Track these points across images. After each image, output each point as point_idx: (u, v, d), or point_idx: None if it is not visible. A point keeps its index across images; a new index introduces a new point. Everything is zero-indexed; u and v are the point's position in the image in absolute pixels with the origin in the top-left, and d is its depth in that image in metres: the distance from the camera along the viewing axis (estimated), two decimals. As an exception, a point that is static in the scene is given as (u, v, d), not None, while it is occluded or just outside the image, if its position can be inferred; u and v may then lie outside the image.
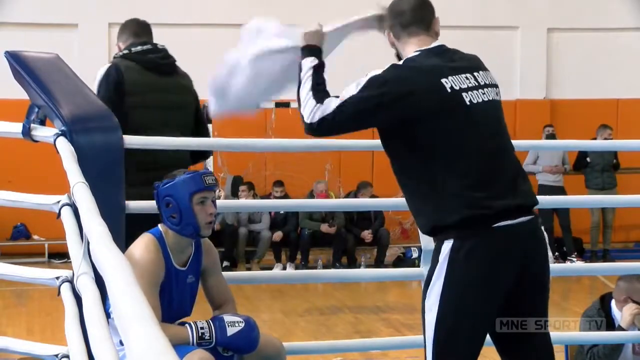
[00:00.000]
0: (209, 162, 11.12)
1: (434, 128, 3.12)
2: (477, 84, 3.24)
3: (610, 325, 4.63)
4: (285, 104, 11.86)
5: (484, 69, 3.37)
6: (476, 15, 13.08)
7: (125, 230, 3.63)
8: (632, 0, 13.18)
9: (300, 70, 3.34)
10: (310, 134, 3.30)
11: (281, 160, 12.10)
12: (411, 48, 3.26)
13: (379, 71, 3.17)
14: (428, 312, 3.14)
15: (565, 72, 13.44)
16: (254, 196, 11.39)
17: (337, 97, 3.20)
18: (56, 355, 3.15)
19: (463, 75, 3.21)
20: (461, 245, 3.08)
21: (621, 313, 4.57)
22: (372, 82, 3.15)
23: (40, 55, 3.83)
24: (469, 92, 3.19)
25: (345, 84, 3.21)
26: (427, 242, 4.14)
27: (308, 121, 3.25)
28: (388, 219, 11.73)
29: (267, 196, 11.63)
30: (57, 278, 2.88)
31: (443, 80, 3.15)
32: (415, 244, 11.06)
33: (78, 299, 2.20)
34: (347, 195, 11.59)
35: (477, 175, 3.12)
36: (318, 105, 3.21)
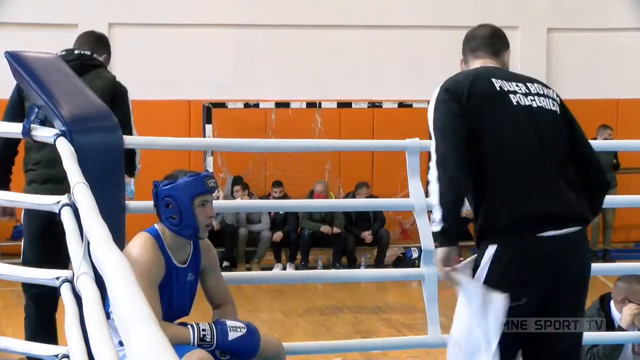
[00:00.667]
0: (209, 162, 11.12)
1: (483, 126, 3.16)
2: (527, 91, 3.28)
3: (610, 325, 4.63)
4: (286, 104, 11.87)
5: (541, 83, 3.40)
6: (476, 15, 13.05)
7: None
8: (632, 0, 13.18)
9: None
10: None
11: (281, 160, 12.09)
12: (474, 66, 3.35)
13: (437, 90, 3.25)
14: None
15: (565, 72, 13.44)
16: (250, 195, 11.38)
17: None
18: (56, 356, 3.15)
19: (513, 82, 3.29)
20: (504, 252, 3.11)
21: (621, 313, 4.57)
22: (438, 97, 3.21)
23: (40, 55, 3.83)
24: (517, 95, 3.24)
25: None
26: (427, 242, 4.15)
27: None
28: (388, 219, 11.73)
29: (267, 196, 11.63)
30: (57, 278, 2.88)
31: (493, 79, 3.23)
32: (415, 244, 11.05)
33: (78, 299, 2.20)
34: (347, 196, 11.59)
35: (523, 174, 3.15)
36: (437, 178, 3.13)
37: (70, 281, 2.73)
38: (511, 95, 3.22)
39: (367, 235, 11.32)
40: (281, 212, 11.38)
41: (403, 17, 12.85)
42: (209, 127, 11.37)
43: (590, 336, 4.59)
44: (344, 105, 11.73)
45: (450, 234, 3.12)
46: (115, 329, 1.71)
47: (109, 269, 1.79)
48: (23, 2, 12.13)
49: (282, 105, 11.88)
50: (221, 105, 11.69)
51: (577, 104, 13.91)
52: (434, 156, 3.11)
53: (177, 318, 3.57)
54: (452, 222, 3.08)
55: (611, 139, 11.75)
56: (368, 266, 11.12)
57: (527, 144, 3.19)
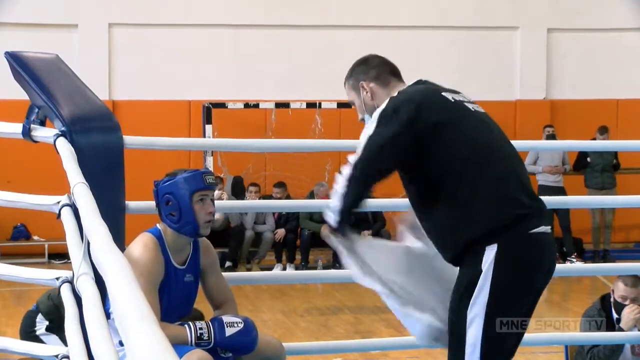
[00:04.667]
0: (209, 163, 11.12)
1: (452, 137, 3.17)
2: (467, 99, 3.33)
3: (611, 325, 4.63)
4: (286, 104, 11.87)
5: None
6: (476, 15, 13.07)
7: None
8: (632, 0, 13.17)
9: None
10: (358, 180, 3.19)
11: (281, 161, 12.10)
12: (394, 91, 3.35)
13: (381, 108, 3.23)
14: (471, 322, 3.13)
15: (565, 72, 13.44)
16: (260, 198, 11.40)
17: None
18: (56, 356, 3.15)
19: (454, 93, 3.32)
20: (506, 250, 3.11)
21: (622, 315, 4.57)
22: (383, 116, 3.19)
23: (40, 55, 3.82)
24: (467, 104, 3.28)
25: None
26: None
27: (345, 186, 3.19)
28: (388, 219, 11.73)
29: (268, 197, 11.63)
30: (57, 279, 2.88)
31: (443, 94, 3.27)
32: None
33: (78, 300, 2.20)
34: (347, 196, 11.58)
35: (505, 175, 3.19)
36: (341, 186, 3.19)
37: (71, 281, 2.73)
38: (465, 104, 3.27)
39: (366, 234, 11.31)
40: (284, 213, 11.38)
41: (403, 17, 12.85)
42: (209, 127, 11.37)
43: (591, 336, 4.59)
44: (344, 105, 11.70)
45: (342, 229, 3.25)
46: (115, 329, 1.71)
47: (109, 269, 1.78)
48: (23, 2, 12.13)
49: (282, 105, 11.88)
50: (221, 105, 11.70)
51: (577, 104, 14.01)
52: (355, 157, 3.15)
53: (177, 319, 3.57)
54: (346, 219, 3.21)
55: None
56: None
57: (500, 147, 3.26)
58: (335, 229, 3.24)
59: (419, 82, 3.37)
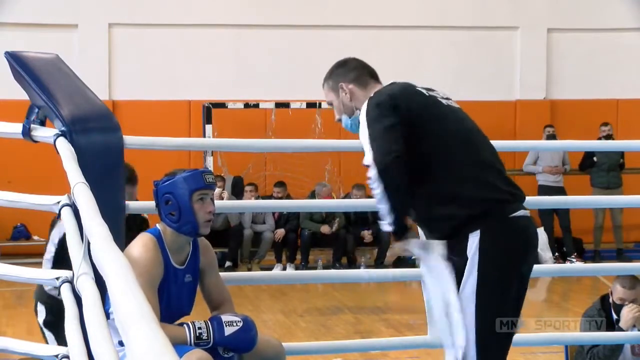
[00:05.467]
0: (209, 162, 11.12)
1: (429, 126, 3.30)
2: (441, 95, 3.45)
3: (611, 325, 4.63)
4: (286, 104, 11.87)
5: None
6: (476, 15, 13.07)
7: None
8: (632, 0, 13.17)
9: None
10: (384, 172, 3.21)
11: (281, 161, 12.10)
12: (371, 92, 3.43)
13: (364, 110, 3.32)
14: (463, 310, 3.22)
15: (565, 72, 13.44)
16: (257, 197, 11.40)
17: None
18: (56, 356, 3.14)
19: (428, 90, 3.45)
20: (489, 236, 3.20)
21: (622, 314, 4.57)
22: (370, 113, 3.28)
23: (40, 55, 3.82)
24: (441, 99, 3.41)
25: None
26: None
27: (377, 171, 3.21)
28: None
29: (268, 197, 11.63)
30: (57, 278, 2.88)
31: (418, 88, 3.42)
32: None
33: (78, 300, 2.20)
34: (346, 196, 11.58)
35: (482, 162, 3.30)
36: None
37: (71, 281, 2.73)
38: (439, 98, 3.39)
39: (366, 234, 11.32)
40: (285, 213, 11.38)
41: (403, 17, 12.85)
42: (209, 127, 11.37)
43: (590, 336, 4.59)
44: (344, 105, 11.71)
45: (402, 233, 3.25)
46: (115, 329, 1.71)
47: (109, 268, 1.79)
48: (23, 2, 12.13)
49: (282, 105, 11.88)
50: (221, 105, 11.70)
51: (577, 104, 14.00)
52: (374, 167, 3.18)
53: (176, 319, 3.57)
54: (402, 224, 3.23)
55: (611, 133, 11.79)
56: (368, 266, 11.12)
57: (474, 137, 3.37)
58: (398, 235, 3.25)
59: (392, 83, 3.48)
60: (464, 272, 3.21)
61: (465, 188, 3.24)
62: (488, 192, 3.24)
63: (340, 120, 3.54)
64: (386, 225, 3.23)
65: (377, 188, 3.19)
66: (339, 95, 3.51)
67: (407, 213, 3.25)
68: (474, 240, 3.20)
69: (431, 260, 3.30)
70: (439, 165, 3.28)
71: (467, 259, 3.20)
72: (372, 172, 3.19)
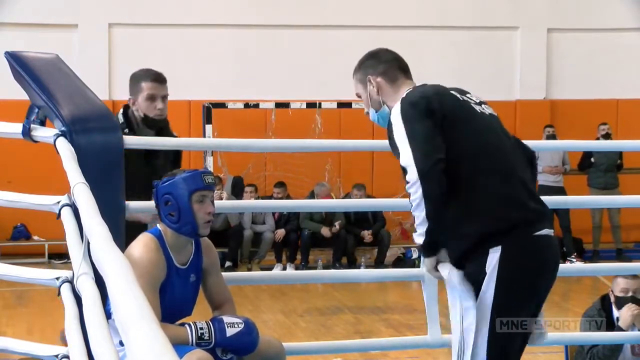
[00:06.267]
0: (209, 163, 11.12)
1: (460, 133, 3.17)
2: (475, 101, 3.32)
3: (611, 325, 4.63)
4: (286, 104, 11.87)
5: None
6: (476, 15, 13.07)
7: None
8: (632, 0, 13.18)
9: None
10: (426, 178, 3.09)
11: (281, 161, 12.10)
12: (402, 90, 3.34)
13: (397, 109, 3.20)
14: (477, 324, 3.13)
15: (565, 72, 13.44)
16: (257, 198, 11.40)
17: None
18: (56, 356, 3.15)
19: (462, 93, 3.32)
20: (510, 253, 3.11)
21: (621, 314, 4.57)
22: (405, 115, 3.15)
23: (40, 55, 3.82)
24: (474, 105, 3.28)
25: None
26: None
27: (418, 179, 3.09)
28: (388, 219, 11.73)
29: (269, 197, 11.62)
30: (57, 278, 2.88)
31: (452, 92, 3.28)
32: (416, 245, 11.05)
33: (78, 300, 2.20)
34: (346, 196, 11.58)
35: (510, 177, 3.19)
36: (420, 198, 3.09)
37: (71, 281, 2.73)
38: (472, 104, 3.27)
39: (366, 234, 11.32)
40: (285, 213, 11.38)
41: (403, 17, 12.85)
42: (209, 127, 11.37)
43: (590, 336, 4.59)
44: (344, 105, 11.73)
45: (435, 246, 3.17)
46: (115, 329, 1.71)
47: (109, 269, 1.78)
48: (23, 2, 12.14)
49: (282, 105, 11.88)
50: (221, 105, 11.69)
51: (577, 104, 14.00)
52: (414, 171, 3.07)
53: (177, 319, 3.57)
54: (435, 236, 3.12)
55: (610, 132, 11.79)
56: (368, 266, 11.12)
57: (504, 148, 3.24)
58: (427, 250, 3.15)
59: (424, 85, 3.37)
60: (480, 286, 3.12)
61: (490, 200, 3.13)
62: (516, 210, 3.14)
63: (367, 113, 3.45)
64: (418, 236, 3.13)
65: (415, 193, 3.06)
66: (367, 88, 3.41)
67: (440, 224, 3.10)
68: (494, 256, 3.10)
69: (457, 287, 3.16)
70: (466, 176, 3.15)
71: (485, 274, 3.11)
72: (412, 176, 3.07)
